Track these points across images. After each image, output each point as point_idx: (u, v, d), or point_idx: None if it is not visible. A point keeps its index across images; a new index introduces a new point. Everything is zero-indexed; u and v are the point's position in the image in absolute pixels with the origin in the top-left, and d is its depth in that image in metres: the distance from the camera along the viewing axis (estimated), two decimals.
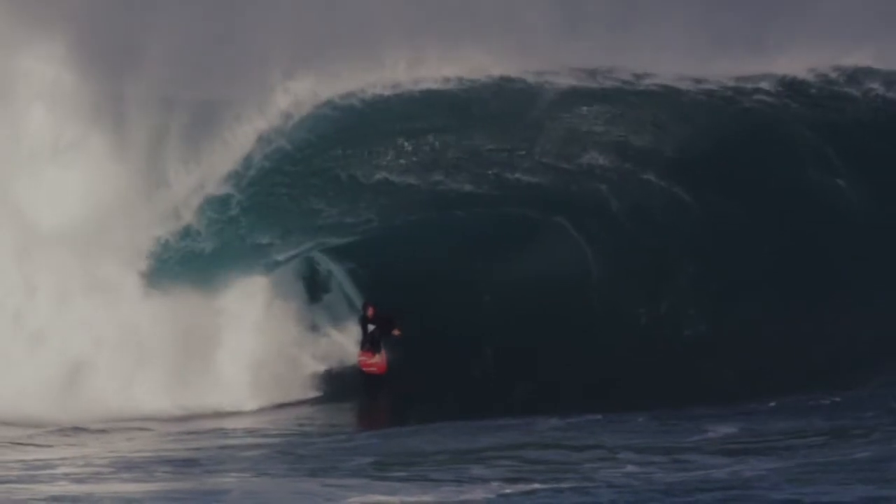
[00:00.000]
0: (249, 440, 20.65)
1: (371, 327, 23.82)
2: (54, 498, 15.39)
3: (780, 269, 23.62)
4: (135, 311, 23.69)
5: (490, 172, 24.12)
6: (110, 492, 15.92)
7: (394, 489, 15.40)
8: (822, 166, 24.31)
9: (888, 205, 24.03)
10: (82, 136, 24.48)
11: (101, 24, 24.07)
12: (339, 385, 24.13)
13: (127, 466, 17.88)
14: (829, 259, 23.63)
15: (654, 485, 15.04)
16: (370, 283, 24.89)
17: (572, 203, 24.16)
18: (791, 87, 24.63)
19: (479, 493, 14.99)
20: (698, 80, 24.48)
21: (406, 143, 24.12)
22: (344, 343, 24.62)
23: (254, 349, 23.73)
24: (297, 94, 24.05)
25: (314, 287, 25.29)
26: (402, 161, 24.05)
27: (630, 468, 16.01)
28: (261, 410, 23.27)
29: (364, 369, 23.92)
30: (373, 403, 24.07)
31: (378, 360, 23.83)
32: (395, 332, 23.56)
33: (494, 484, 15.37)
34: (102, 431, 21.55)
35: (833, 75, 24.75)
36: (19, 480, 16.82)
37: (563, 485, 15.19)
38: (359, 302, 24.69)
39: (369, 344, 23.83)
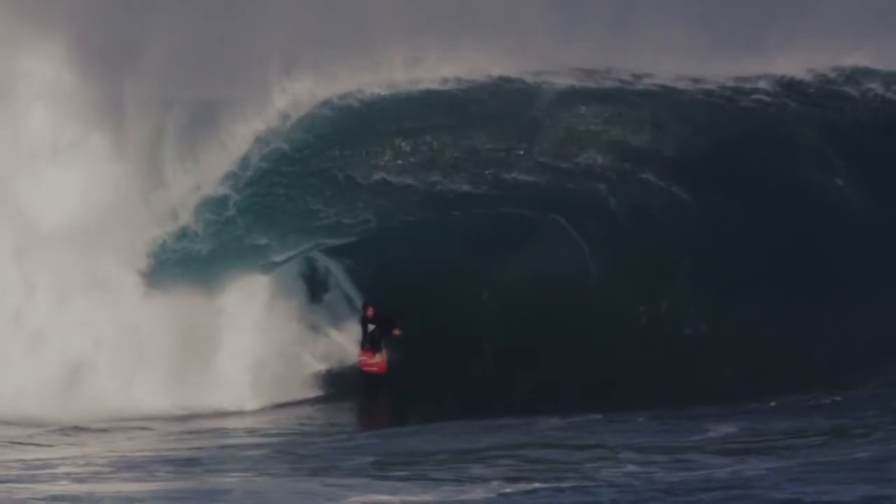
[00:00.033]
0: (250, 440, 20.68)
1: (371, 327, 23.82)
2: (54, 497, 15.41)
3: (779, 269, 23.62)
4: (135, 310, 23.70)
5: (488, 172, 24.11)
6: (111, 491, 15.93)
7: (394, 489, 15.41)
8: (821, 166, 24.31)
9: (887, 204, 24.02)
10: (82, 135, 24.53)
11: (101, 24, 24.09)
12: (339, 385, 24.13)
13: (127, 466, 17.91)
14: (828, 259, 23.62)
15: (654, 484, 15.05)
16: (369, 284, 24.90)
17: (571, 203, 24.16)
18: (790, 87, 24.62)
19: (479, 492, 15.01)
20: (697, 80, 24.46)
21: (404, 144, 24.11)
22: (344, 343, 24.63)
23: (254, 349, 23.73)
24: (295, 94, 24.03)
25: (314, 287, 25.30)
26: (399, 161, 24.03)
27: (631, 468, 16.01)
28: (261, 410, 23.28)
29: (364, 369, 23.91)
30: (373, 403, 24.06)
31: (378, 360, 23.82)
32: (396, 332, 23.55)
33: (495, 483, 15.38)
34: (103, 431, 21.59)
35: (832, 75, 24.74)
36: (20, 480, 16.84)
37: (564, 484, 15.20)
38: (359, 302, 24.70)
39: (370, 344, 23.82)
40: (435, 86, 24.22)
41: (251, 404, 23.41)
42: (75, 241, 23.81)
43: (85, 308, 23.73)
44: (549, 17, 23.96)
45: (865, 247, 23.69)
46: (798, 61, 24.56)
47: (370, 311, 23.83)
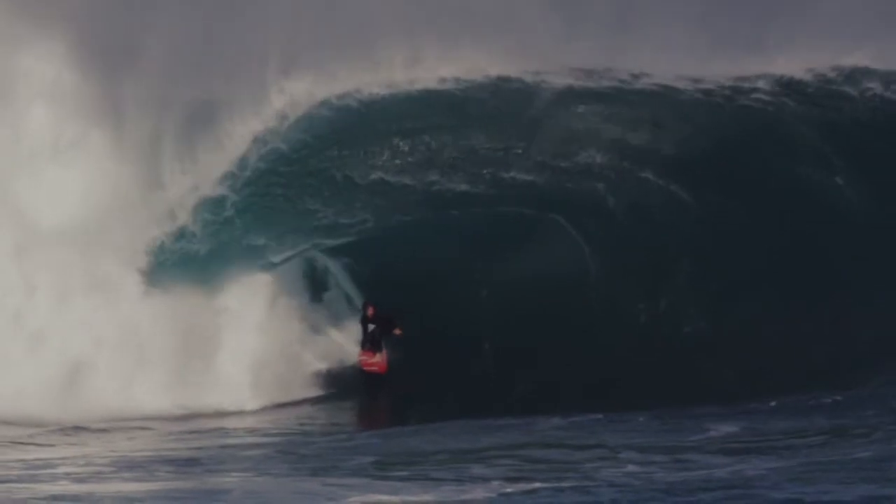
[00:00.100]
0: (250, 440, 20.68)
1: (371, 327, 23.80)
2: (55, 497, 15.40)
3: (779, 269, 23.62)
4: (135, 310, 23.69)
5: (487, 171, 24.10)
6: (111, 491, 15.92)
7: (395, 488, 15.41)
8: (820, 165, 24.32)
9: (887, 204, 24.04)
10: (82, 135, 24.49)
11: (102, 24, 24.08)
12: (339, 385, 24.12)
13: (128, 466, 17.90)
14: (828, 258, 23.63)
15: (655, 484, 15.05)
16: (369, 283, 24.89)
17: (570, 202, 24.15)
18: (789, 86, 24.64)
19: (480, 492, 15.00)
20: (696, 80, 24.48)
21: (403, 144, 24.09)
22: (344, 343, 24.62)
23: (254, 349, 23.70)
24: (293, 94, 24.03)
25: (314, 287, 25.29)
26: (397, 161, 24.02)
27: (631, 467, 16.01)
28: (261, 410, 23.27)
29: (365, 369, 23.89)
30: (373, 403, 24.05)
31: (379, 360, 23.81)
32: (396, 332, 23.54)
33: (495, 483, 15.38)
34: (103, 431, 21.58)
35: (831, 75, 24.76)
36: (20, 480, 16.82)
37: (565, 484, 15.20)
38: (358, 301, 24.70)
39: (370, 343, 23.80)
40: (433, 85, 24.23)
41: (251, 404, 23.39)
42: (75, 240, 23.80)
43: (85, 308, 23.72)
44: (548, 16, 23.98)
45: (865, 246, 23.70)
46: (798, 61, 24.59)
47: (370, 311, 23.82)
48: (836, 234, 23.87)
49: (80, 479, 16.80)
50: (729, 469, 15.66)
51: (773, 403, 20.39)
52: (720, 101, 24.50)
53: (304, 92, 24.04)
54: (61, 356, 23.47)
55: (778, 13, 24.31)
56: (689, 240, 24.04)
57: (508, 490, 14.98)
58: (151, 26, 23.94)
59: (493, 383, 23.25)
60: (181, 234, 24.06)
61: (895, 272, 23.25)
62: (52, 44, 24.45)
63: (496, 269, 24.36)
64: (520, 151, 24.13)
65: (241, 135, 23.99)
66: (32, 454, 19.29)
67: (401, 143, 24.07)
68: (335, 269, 25.39)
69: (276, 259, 24.18)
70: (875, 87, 24.58)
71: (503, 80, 24.34)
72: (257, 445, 19.99)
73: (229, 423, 22.18)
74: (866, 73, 24.67)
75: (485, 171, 24.08)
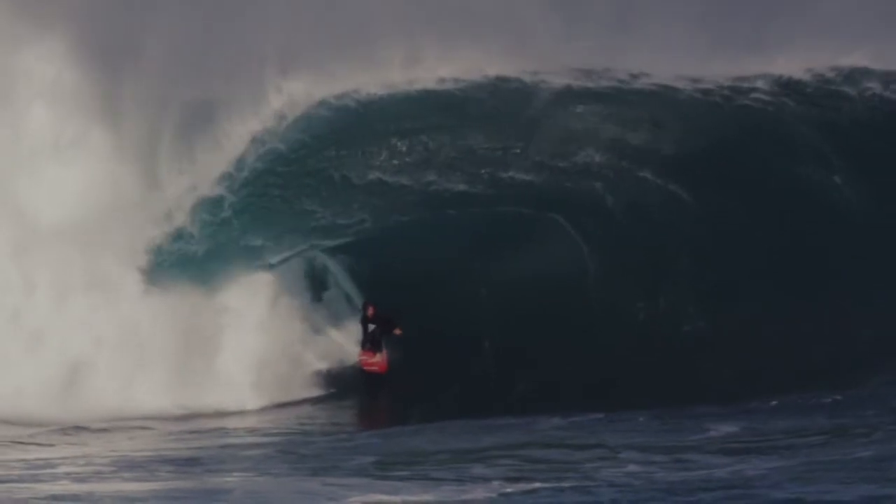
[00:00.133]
0: (250, 439, 20.67)
1: (371, 327, 23.79)
2: (55, 497, 15.39)
3: (779, 268, 23.64)
4: (135, 309, 23.68)
5: (485, 171, 24.09)
6: (112, 491, 15.92)
7: (395, 488, 15.41)
8: (819, 165, 24.34)
9: (886, 203, 24.06)
10: (83, 134, 24.50)
11: (102, 23, 24.10)
12: (340, 384, 24.11)
13: (128, 465, 17.90)
14: (828, 258, 23.64)
15: (655, 484, 15.06)
16: (368, 283, 24.88)
17: (569, 201, 24.15)
18: (788, 86, 24.68)
19: (480, 492, 15.00)
20: (695, 80, 24.50)
21: (401, 144, 24.07)
22: (344, 342, 24.61)
23: (255, 348, 23.68)
24: (291, 94, 24.01)
25: (314, 286, 25.28)
26: (395, 161, 24.00)
27: (631, 467, 16.02)
28: (262, 410, 23.25)
29: (365, 368, 23.87)
30: (374, 403, 24.03)
31: (379, 360, 23.80)
32: (396, 332, 23.52)
33: (496, 483, 15.38)
34: (104, 430, 21.57)
35: (831, 75, 24.79)
36: (21, 479, 16.83)
37: (565, 484, 15.21)
38: (358, 301, 24.68)
39: (370, 343, 23.78)
40: (432, 86, 24.22)
41: (252, 404, 23.37)
42: (75, 239, 23.80)
43: (85, 307, 23.74)
44: (548, 16, 24.00)
45: (864, 246, 23.73)
46: (797, 61, 24.64)
47: (370, 311, 23.80)
48: (836, 234, 23.89)
49: (80, 479, 16.80)
50: (729, 469, 15.66)
51: (773, 403, 20.40)
52: (719, 101, 24.53)
53: (302, 92, 24.04)
54: (61, 355, 23.47)
55: (777, 13, 24.36)
56: (688, 239, 24.05)
57: (509, 490, 14.98)
58: (151, 26, 23.97)
59: (494, 383, 23.24)
60: (179, 235, 24.05)
61: (895, 272, 23.30)
62: (52, 43, 24.48)
63: (495, 269, 24.34)
64: (518, 151, 24.13)
65: (239, 135, 23.98)
66: (33, 454, 19.29)
67: (399, 144, 24.06)
68: (335, 268, 25.37)
69: (274, 260, 24.18)
70: (874, 86, 24.62)
71: (502, 80, 24.35)
72: (257, 445, 19.99)
73: (229, 422, 22.16)
74: (865, 73, 24.71)
75: (483, 171, 24.08)
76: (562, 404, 21.23)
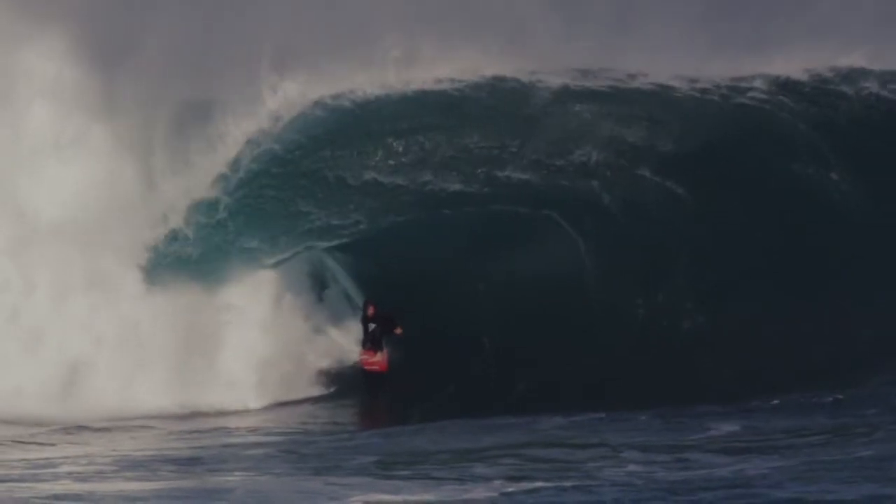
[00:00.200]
0: (252, 439, 20.65)
1: (372, 326, 23.77)
2: (57, 496, 15.37)
3: (778, 267, 23.65)
4: (136, 307, 23.68)
5: (483, 171, 24.02)
6: (113, 490, 15.91)
7: (397, 488, 15.41)
8: (817, 164, 24.37)
9: (884, 202, 24.11)
10: (83, 132, 24.48)
11: (102, 21, 24.10)
12: (340, 384, 24.10)
13: (130, 465, 17.88)
14: (825, 256, 23.66)
15: (656, 483, 15.07)
16: (368, 283, 24.88)
17: (566, 200, 24.12)
18: (786, 86, 24.71)
19: (481, 491, 15.00)
20: (693, 80, 24.52)
21: (397, 144, 24.01)
22: (345, 342, 24.61)
23: (256, 348, 23.69)
24: (287, 94, 23.96)
25: (315, 285, 25.27)
26: (391, 161, 23.93)
27: (633, 467, 16.02)
28: (263, 409, 23.26)
29: (366, 368, 23.81)
30: (375, 402, 23.98)
31: (380, 359, 23.76)
32: (397, 331, 23.50)
33: (497, 482, 15.38)
34: (105, 430, 21.53)
35: (828, 75, 24.85)
36: (22, 479, 16.80)
37: (566, 483, 15.20)
38: (359, 301, 24.68)
39: (371, 343, 23.74)
40: (429, 86, 24.19)
41: (253, 403, 23.38)
42: (75, 238, 23.80)
43: (85, 306, 23.73)
44: (548, 16, 24.02)
45: (862, 245, 23.77)
46: (795, 61, 24.66)
47: (371, 310, 23.76)
48: (834, 233, 23.92)
49: (81, 479, 16.78)
50: (730, 468, 15.68)
51: (774, 402, 20.44)
52: (717, 100, 24.55)
53: (298, 92, 23.99)
54: (61, 355, 23.47)
55: (776, 14, 24.41)
56: (687, 238, 24.06)
57: (510, 489, 14.98)
58: (151, 25, 23.96)
59: (494, 383, 23.21)
60: (174, 237, 24.03)
61: (894, 271, 23.33)
62: (52, 41, 24.47)
63: (494, 268, 24.33)
64: (515, 150, 24.10)
65: (234, 136, 23.92)
66: (34, 453, 19.25)
67: (395, 144, 24.00)
68: (335, 268, 25.36)
69: (270, 262, 24.13)
70: (871, 86, 24.68)
71: (499, 80, 24.34)
72: (259, 444, 19.97)
73: (230, 422, 22.16)
74: (863, 73, 24.78)
75: (480, 171, 24.04)
76: (563, 404, 21.24)
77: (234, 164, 23.90)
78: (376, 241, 24.15)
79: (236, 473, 17.07)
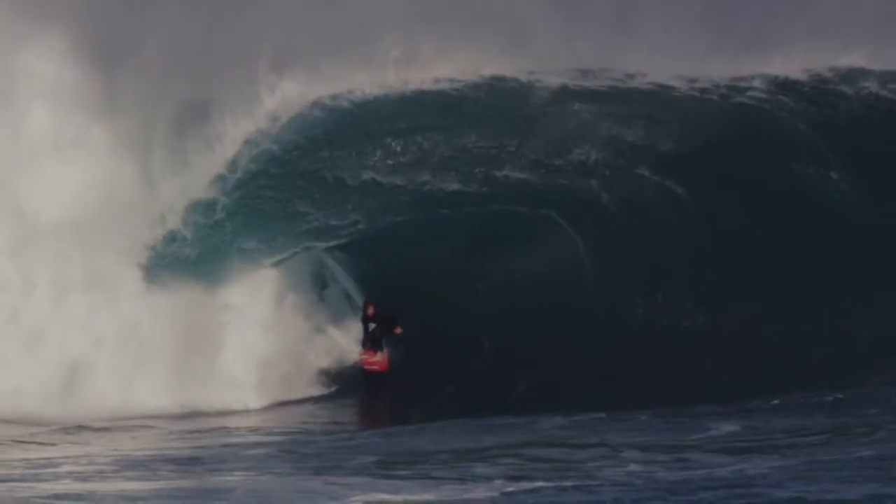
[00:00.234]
0: (252, 438, 20.66)
1: (372, 326, 23.77)
2: (57, 496, 15.36)
3: (778, 267, 23.67)
4: (136, 307, 23.68)
5: (481, 170, 24.01)
6: (113, 490, 15.91)
7: (397, 487, 15.41)
8: (817, 163, 24.39)
9: (883, 202, 24.13)
10: (83, 132, 24.48)
11: (102, 21, 24.10)
12: (341, 384, 24.10)
13: (130, 465, 17.88)
14: (825, 256, 23.68)
15: (657, 483, 15.07)
16: (368, 283, 24.88)
17: (565, 199, 24.12)
18: (785, 86, 24.73)
19: (482, 491, 15.00)
20: (692, 79, 24.53)
21: (395, 144, 23.99)
22: (345, 342, 24.61)
23: (256, 348, 23.69)
24: (285, 94, 23.94)
25: (315, 284, 25.26)
26: (390, 161, 23.93)
27: (633, 466, 16.03)
28: (263, 409, 23.27)
29: (366, 368, 23.81)
30: (375, 402, 23.99)
31: (380, 359, 23.77)
32: (397, 331, 23.50)
33: (497, 482, 15.38)
34: (105, 430, 21.54)
35: (828, 75, 24.86)
36: (22, 479, 16.80)
37: (567, 483, 15.20)
38: (359, 300, 24.68)
39: (371, 342, 23.75)
40: (427, 86, 24.18)
41: (254, 403, 23.38)
42: (75, 238, 23.80)
43: (85, 306, 23.73)
44: (548, 16, 24.03)
45: (862, 245, 23.79)
46: (795, 61, 24.68)
47: (371, 310, 23.76)
48: (834, 233, 23.94)
49: (82, 478, 16.78)
50: (731, 468, 15.68)
51: (774, 402, 20.44)
52: (716, 100, 24.56)
53: (296, 92, 23.98)
54: (61, 355, 23.48)
55: (775, 14, 24.45)
56: (686, 237, 24.06)
57: (510, 489, 14.98)
58: (151, 25, 23.97)
59: (495, 382, 23.21)
60: (172, 238, 24.01)
61: (894, 271, 23.34)
62: (52, 41, 24.47)
63: (494, 268, 24.33)
64: (514, 150, 24.10)
65: (232, 136, 23.91)
66: (34, 453, 19.25)
67: (393, 144, 23.98)
68: (335, 268, 25.35)
69: (268, 262, 24.12)
70: (871, 86, 24.70)
71: (497, 80, 24.34)
72: (259, 444, 19.98)
73: (231, 421, 22.17)
74: (862, 73, 24.80)
75: (478, 170, 24.03)
76: (563, 403, 21.25)
77: (233, 164, 23.89)
78: (375, 241, 24.13)
79: (236, 473, 17.07)
